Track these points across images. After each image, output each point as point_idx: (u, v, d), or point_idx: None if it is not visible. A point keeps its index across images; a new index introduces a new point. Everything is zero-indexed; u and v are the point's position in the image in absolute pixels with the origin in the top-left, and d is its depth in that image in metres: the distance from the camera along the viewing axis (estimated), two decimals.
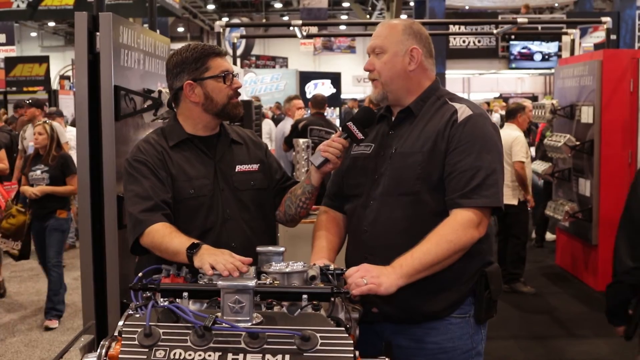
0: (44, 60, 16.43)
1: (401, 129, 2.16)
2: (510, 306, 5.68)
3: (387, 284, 1.83)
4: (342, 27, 23.46)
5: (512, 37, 21.31)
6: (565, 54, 8.22)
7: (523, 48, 21.32)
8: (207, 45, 2.28)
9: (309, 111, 8.35)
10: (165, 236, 2.02)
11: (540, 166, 7.31)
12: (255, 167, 2.34)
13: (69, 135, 7.75)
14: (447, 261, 1.96)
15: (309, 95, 20.19)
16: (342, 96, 20.75)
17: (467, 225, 1.98)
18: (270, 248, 2.01)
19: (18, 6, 11.42)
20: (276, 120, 14.75)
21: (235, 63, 7.88)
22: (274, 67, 25.35)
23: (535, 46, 21.16)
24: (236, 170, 2.30)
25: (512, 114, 6.38)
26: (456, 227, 1.97)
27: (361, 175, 2.18)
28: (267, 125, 9.63)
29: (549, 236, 8.15)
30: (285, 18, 27.46)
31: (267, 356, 1.49)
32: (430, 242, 1.94)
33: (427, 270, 1.93)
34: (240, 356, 1.49)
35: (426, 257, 1.92)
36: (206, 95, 2.24)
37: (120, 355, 1.51)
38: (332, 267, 1.97)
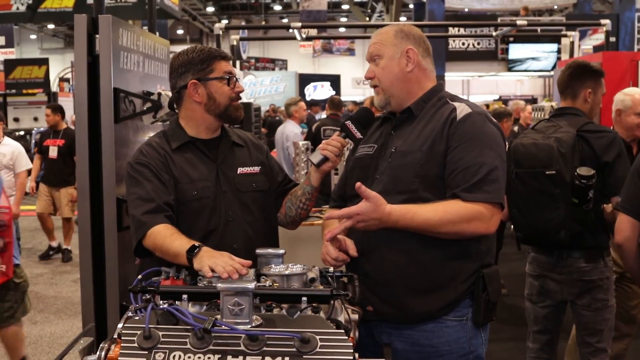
0: (44, 62, 16.49)
1: (402, 130, 2.17)
2: (511, 308, 5.68)
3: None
4: (342, 30, 23.49)
5: (511, 39, 21.34)
6: (565, 56, 8.22)
7: None
8: (213, 49, 2.31)
9: (324, 113, 8.36)
10: (166, 238, 2.02)
11: None
12: (256, 169, 2.35)
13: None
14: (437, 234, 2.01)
15: (308, 98, 20.22)
16: (342, 98, 20.81)
17: (475, 217, 1.99)
18: (270, 250, 2.02)
19: (17, 8, 11.41)
20: (271, 123, 14.73)
21: (234, 65, 7.85)
22: (273, 69, 25.41)
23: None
24: (238, 172, 2.30)
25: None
26: (464, 214, 1.98)
27: (362, 175, 2.19)
28: None
29: None
30: (285, 20, 27.50)
31: (267, 358, 1.49)
32: (435, 213, 1.97)
33: (414, 229, 2.00)
34: (240, 358, 1.49)
35: (420, 225, 1.98)
36: (209, 96, 2.25)
37: (119, 358, 1.51)
38: (331, 269, 1.97)
